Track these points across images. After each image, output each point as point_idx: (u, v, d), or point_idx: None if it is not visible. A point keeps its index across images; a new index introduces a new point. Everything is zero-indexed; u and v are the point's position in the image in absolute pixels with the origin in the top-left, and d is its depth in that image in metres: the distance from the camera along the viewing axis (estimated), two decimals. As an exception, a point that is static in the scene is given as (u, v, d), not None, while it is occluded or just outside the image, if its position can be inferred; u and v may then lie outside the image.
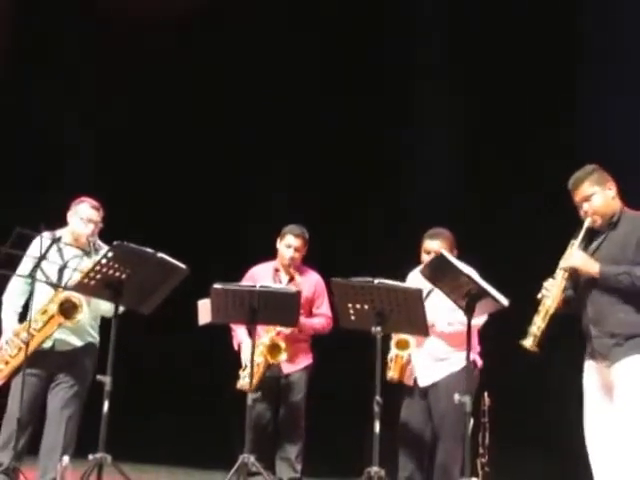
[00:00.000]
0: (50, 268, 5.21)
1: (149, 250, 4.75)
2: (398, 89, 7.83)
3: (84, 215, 5.30)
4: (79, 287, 4.84)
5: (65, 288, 5.12)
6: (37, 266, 5.11)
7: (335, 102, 7.91)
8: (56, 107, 8.15)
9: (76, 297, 5.09)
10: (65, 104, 8.19)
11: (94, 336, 5.40)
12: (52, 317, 5.11)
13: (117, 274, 4.71)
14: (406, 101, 7.78)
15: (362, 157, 7.83)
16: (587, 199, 4.43)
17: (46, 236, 5.16)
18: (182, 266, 4.81)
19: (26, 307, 5.33)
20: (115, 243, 4.69)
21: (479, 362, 5.34)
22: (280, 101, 8.01)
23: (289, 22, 8.14)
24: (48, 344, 5.18)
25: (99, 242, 5.30)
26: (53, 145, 8.24)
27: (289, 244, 5.87)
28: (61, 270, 5.21)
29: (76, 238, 5.30)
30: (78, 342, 5.31)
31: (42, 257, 5.07)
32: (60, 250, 5.26)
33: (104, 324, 5.23)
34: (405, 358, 5.36)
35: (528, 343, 4.34)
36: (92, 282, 4.73)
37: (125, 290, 4.75)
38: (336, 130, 7.91)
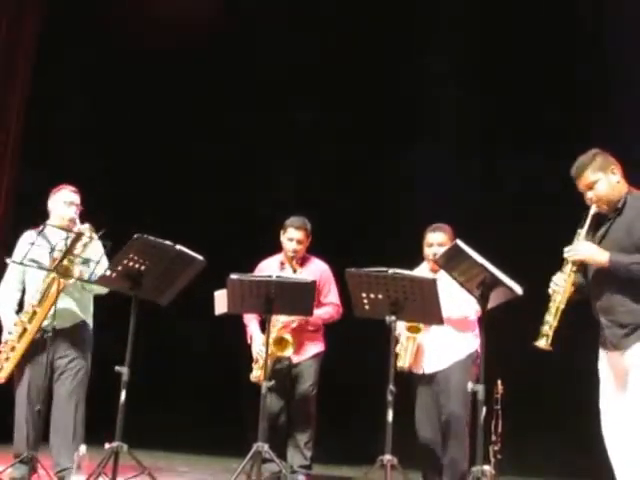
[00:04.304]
0: (41, 257, 5.28)
1: (168, 242, 4.83)
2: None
3: (66, 199, 5.55)
4: (102, 280, 4.98)
5: (89, 282, 5.23)
6: (63, 258, 5.19)
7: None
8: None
9: (66, 261, 5.21)
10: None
11: (89, 317, 5.55)
12: (49, 285, 5.23)
13: (136, 266, 4.82)
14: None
15: (376, 145, 7.91)
16: (591, 187, 4.36)
17: (31, 235, 5.40)
18: (200, 258, 4.88)
19: (21, 305, 5.49)
20: (135, 236, 4.77)
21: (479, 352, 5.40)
22: (289, 94, 8.07)
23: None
24: (48, 321, 5.20)
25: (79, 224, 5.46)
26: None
27: (291, 237, 5.90)
28: (51, 253, 5.28)
29: (60, 223, 5.45)
30: (80, 313, 5.45)
31: (68, 250, 5.18)
32: (46, 238, 5.36)
33: (122, 314, 5.28)
34: (416, 341, 5.44)
35: (542, 343, 4.31)
36: (114, 274, 4.84)
37: (144, 281, 4.85)
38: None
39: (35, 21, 8.05)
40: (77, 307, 5.46)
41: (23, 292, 5.53)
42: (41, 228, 5.36)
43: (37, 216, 5.56)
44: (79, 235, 5.19)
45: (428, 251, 5.50)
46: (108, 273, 4.85)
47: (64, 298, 5.30)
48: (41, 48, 8.03)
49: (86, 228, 5.29)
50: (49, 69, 8.03)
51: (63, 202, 5.55)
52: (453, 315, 5.33)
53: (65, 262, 5.20)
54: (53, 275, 5.23)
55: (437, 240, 5.46)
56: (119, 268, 4.81)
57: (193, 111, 8.28)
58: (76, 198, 5.58)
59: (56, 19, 8.05)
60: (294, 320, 5.75)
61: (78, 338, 5.46)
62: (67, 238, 5.17)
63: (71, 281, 5.27)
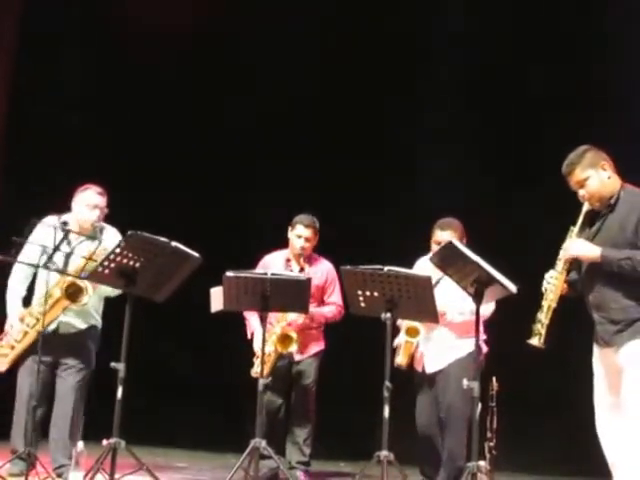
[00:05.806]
0: (56, 254, 5.25)
1: (163, 239, 4.78)
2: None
3: (90, 202, 5.39)
4: (94, 276, 4.89)
5: (77, 277, 5.18)
6: (51, 256, 5.19)
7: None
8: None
9: (81, 281, 5.18)
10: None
11: (97, 319, 5.52)
12: (57, 301, 5.18)
13: (131, 263, 4.72)
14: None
15: (376, 142, 7.92)
16: (581, 184, 4.33)
17: (52, 221, 5.28)
18: (195, 255, 4.84)
19: (30, 291, 5.44)
20: (129, 232, 4.71)
21: (484, 348, 5.42)
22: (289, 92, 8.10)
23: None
24: (52, 327, 5.24)
25: (103, 224, 5.43)
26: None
27: (299, 234, 5.93)
28: (67, 256, 5.28)
29: (81, 224, 5.37)
30: (82, 325, 5.43)
31: (56, 248, 5.16)
32: (66, 236, 5.30)
33: (116, 310, 5.31)
34: (414, 345, 5.46)
35: (535, 342, 4.32)
36: (106, 271, 4.76)
37: (139, 278, 4.78)
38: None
39: (14, 17, 8.06)
40: (86, 313, 5.43)
41: (35, 277, 5.44)
42: (63, 222, 5.27)
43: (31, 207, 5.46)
44: (69, 232, 5.18)
45: (436, 249, 5.30)
46: (100, 269, 4.76)
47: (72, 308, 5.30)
48: (40, 49, 8.08)
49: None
50: (48, 68, 8.08)
51: (86, 205, 5.38)
52: (456, 319, 5.36)
53: (79, 283, 5.16)
54: (62, 293, 5.17)
55: (445, 239, 5.23)
56: (112, 265, 4.72)
57: (193, 111, 8.30)
58: (101, 201, 5.40)
59: (56, 19, 8.10)
60: (300, 318, 5.78)
61: (85, 339, 5.45)
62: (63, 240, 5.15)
63: (83, 302, 5.24)
